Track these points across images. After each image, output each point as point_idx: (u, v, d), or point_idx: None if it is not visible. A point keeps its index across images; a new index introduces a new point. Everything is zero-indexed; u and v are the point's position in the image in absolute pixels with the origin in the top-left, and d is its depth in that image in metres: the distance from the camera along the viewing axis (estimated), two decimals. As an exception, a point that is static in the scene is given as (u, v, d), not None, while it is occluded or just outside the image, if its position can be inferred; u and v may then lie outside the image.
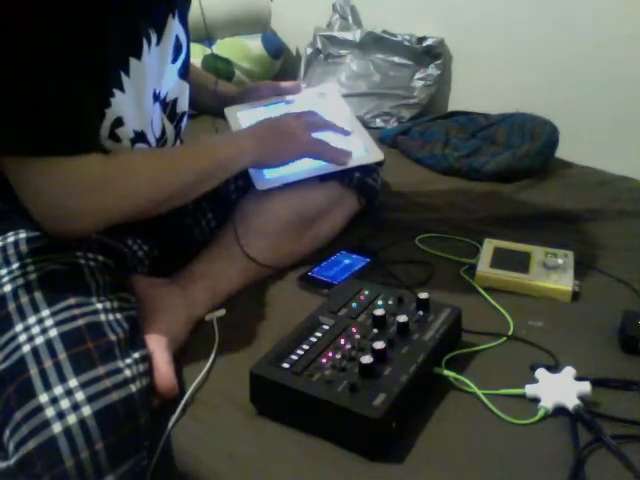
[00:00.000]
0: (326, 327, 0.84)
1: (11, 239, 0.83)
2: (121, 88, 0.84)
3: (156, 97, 0.94)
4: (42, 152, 0.76)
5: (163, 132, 0.99)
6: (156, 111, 0.96)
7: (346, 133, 1.14)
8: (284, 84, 1.27)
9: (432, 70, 1.89)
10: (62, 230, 0.82)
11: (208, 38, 1.96)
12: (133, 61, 0.85)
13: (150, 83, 0.90)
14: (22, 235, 0.83)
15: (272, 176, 1.08)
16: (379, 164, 1.18)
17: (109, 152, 0.86)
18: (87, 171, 0.79)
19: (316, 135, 1.07)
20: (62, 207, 0.80)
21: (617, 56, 1.63)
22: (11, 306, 0.77)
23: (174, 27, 0.94)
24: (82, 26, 0.75)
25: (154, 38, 0.89)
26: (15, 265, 0.81)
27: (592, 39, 1.65)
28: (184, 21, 0.99)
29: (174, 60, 0.98)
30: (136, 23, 0.85)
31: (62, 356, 0.72)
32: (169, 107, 1.00)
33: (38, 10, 0.71)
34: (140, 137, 0.91)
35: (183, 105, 1.04)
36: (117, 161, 0.84)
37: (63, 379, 0.70)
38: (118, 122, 0.85)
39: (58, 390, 0.69)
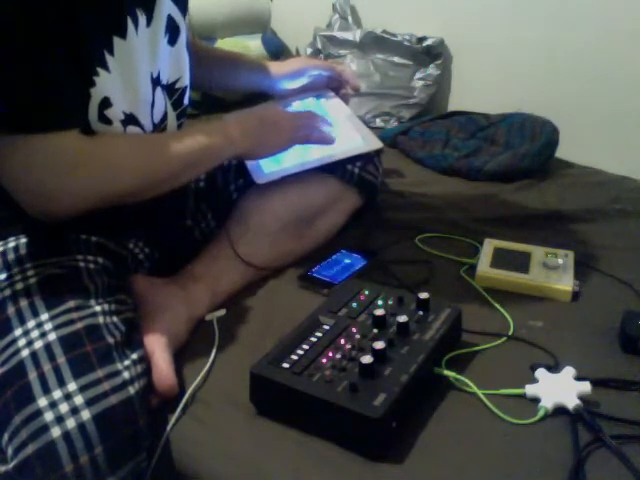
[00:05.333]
0: (326, 327, 0.84)
1: (12, 244, 0.83)
2: (106, 67, 0.82)
3: (156, 81, 0.92)
4: (16, 129, 0.74)
5: (164, 117, 0.97)
6: (158, 96, 0.93)
7: (330, 141, 1.10)
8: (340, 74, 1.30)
9: (432, 70, 1.89)
10: (43, 211, 0.81)
11: (208, 38, 1.96)
12: (117, 40, 0.82)
13: (142, 65, 0.88)
14: (23, 240, 0.83)
15: (271, 170, 1.08)
16: (377, 153, 1.18)
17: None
18: (64, 149, 0.78)
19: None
20: (40, 186, 0.78)
21: (617, 56, 1.63)
22: (10, 310, 0.77)
23: (165, 7, 0.90)
24: (54, 5, 0.73)
25: (142, 19, 0.86)
26: (15, 270, 0.80)
27: (592, 39, 1.65)
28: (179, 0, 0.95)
29: (172, 42, 0.94)
30: (119, 2, 0.82)
31: (61, 360, 0.72)
32: (171, 90, 0.98)
33: None
34: (131, 120, 0.89)
35: (182, 83, 1.00)
36: (98, 142, 0.83)
37: (62, 383, 0.70)
38: (105, 103, 0.83)
39: (57, 394, 0.69)
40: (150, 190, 0.88)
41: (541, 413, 0.76)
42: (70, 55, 0.77)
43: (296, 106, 1.27)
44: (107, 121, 0.85)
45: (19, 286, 0.79)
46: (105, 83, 0.82)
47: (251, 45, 2.09)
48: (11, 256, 0.82)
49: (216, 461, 0.73)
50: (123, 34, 0.83)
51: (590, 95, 1.69)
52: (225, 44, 2.05)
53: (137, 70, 0.87)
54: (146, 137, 0.92)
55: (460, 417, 0.77)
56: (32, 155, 0.76)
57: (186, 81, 1.00)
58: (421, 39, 1.90)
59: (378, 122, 1.85)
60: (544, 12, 1.73)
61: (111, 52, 0.82)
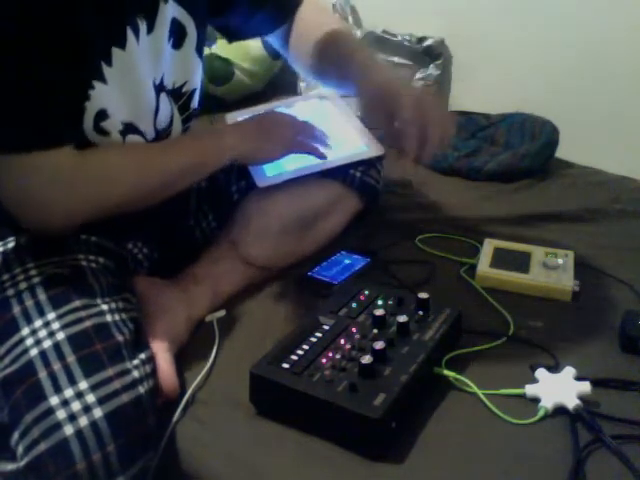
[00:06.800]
0: (326, 327, 0.84)
1: (11, 244, 0.83)
2: (102, 79, 0.81)
3: (159, 87, 0.91)
4: (7, 149, 0.75)
5: (170, 122, 0.97)
6: (163, 101, 0.93)
7: (322, 157, 1.08)
8: None
9: (432, 70, 1.89)
10: (38, 226, 0.81)
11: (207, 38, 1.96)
12: (116, 51, 0.82)
13: (143, 73, 0.87)
14: (22, 240, 0.83)
15: (272, 173, 1.08)
16: (379, 158, 1.18)
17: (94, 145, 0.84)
18: (58, 166, 0.78)
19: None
20: (33, 203, 0.79)
21: (617, 56, 1.63)
22: (16, 309, 0.77)
23: (168, 11, 0.88)
24: (52, 19, 0.73)
25: (143, 26, 0.84)
26: (17, 270, 0.80)
27: (592, 39, 1.65)
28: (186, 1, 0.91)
29: (177, 45, 0.93)
30: (118, 12, 0.81)
31: (71, 358, 0.72)
32: (177, 94, 0.97)
33: (4, 5, 0.70)
34: (131, 129, 0.88)
35: (190, 86, 0.99)
36: (92, 157, 0.83)
37: (73, 381, 0.70)
38: (102, 115, 0.83)
39: (68, 392, 0.69)
40: (146, 200, 0.88)
41: (541, 413, 0.76)
42: (64, 71, 0.76)
43: (299, 107, 1.27)
44: (104, 132, 0.85)
45: (22, 286, 0.79)
46: (101, 95, 0.82)
47: (251, 45, 2.09)
48: (12, 256, 0.82)
49: (216, 461, 0.73)
50: (122, 45, 0.82)
51: (590, 95, 1.69)
52: (225, 44, 2.04)
53: (138, 78, 0.86)
54: (140, 148, 0.91)
55: (460, 417, 0.77)
56: (26, 173, 0.77)
57: (194, 84, 0.99)
58: (421, 39, 1.90)
59: (378, 122, 1.85)
60: (544, 12, 1.73)
61: (109, 63, 0.81)
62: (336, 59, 1.03)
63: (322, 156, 1.07)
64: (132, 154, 0.88)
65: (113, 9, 0.80)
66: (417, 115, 0.91)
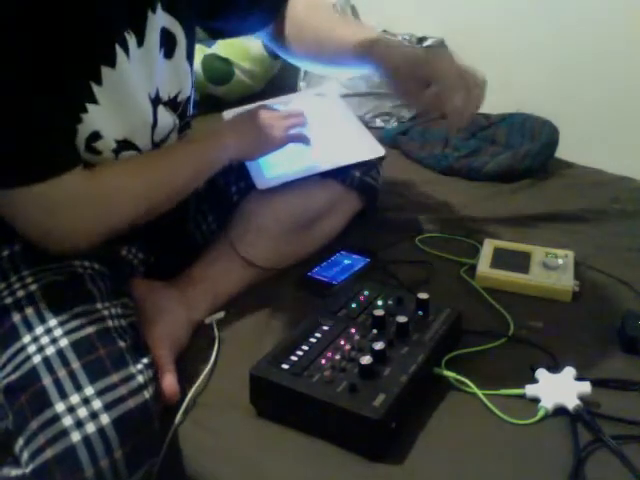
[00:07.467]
0: (326, 328, 0.84)
1: (6, 252, 0.82)
2: (93, 100, 0.80)
3: (155, 100, 0.90)
4: (10, 184, 0.74)
5: (170, 132, 0.96)
6: (161, 114, 0.91)
7: (307, 142, 1.08)
8: None
9: (432, 70, 1.89)
10: (56, 249, 0.81)
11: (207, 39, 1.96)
12: (106, 70, 0.80)
13: (138, 88, 0.85)
14: (17, 248, 0.82)
15: (272, 175, 1.08)
16: (380, 159, 1.18)
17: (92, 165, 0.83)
18: (67, 191, 0.77)
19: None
20: (49, 229, 0.79)
21: (617, 56, 1.63)
22: (16, 317, 0.76)
23: (157, 21, 0.85)
24: (38, 48, 0.72)
25: (132, 41, 0.82)
26: (13, 278, 0.80)
27: (592, 39, 1.65)
28: (175, 6, 0.89)
29: (169, 55, 0.91)
30: (103, 31, 0.79)
31: (75, 365, 0.72)
32: (174, 105, 0.95)
33: None
34: (126, 145, 0.87)
35: (184, 95, 0.97)
36: (101, 177, 0.82)
37: (79, 388, 0.70)
38: (94, 136, 0.82)
39: (74, 399, 0.69)
40: (152, 213, 0.88)
41: (541, 413, 0.76)
42: (54, 99, 0.75)
43: (298, 106, 1.26)
44: (96, 152, 0.83)
45: (20, 293, 0.78)
46: (94, 117, 0.80)
47: (251, 45, 2.09)
48: (7, 265, 0.81)
49: (217, 463, 0.73)
50: (112, 63, 0.80)
51: (590, 95, 1.69)
52: (225, 44, 2.05)
53: (131, 94, 0.84)
54: (142, 161, 0.89)
55: (460, 417, 0.77)
56: (34, 203, 0.76)
57: (187, 92, 0.98)
58: (421, 39, 1.90)
59: (378, 122, 1.85)
60: (544, 12, 1.73)
61: (99, 83, 0.80)
62: (346, 37, 0.99)
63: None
64: (136, 169, 0.87)
65: (97, 28, 0.78)
66: (459, 79, 0.93)
